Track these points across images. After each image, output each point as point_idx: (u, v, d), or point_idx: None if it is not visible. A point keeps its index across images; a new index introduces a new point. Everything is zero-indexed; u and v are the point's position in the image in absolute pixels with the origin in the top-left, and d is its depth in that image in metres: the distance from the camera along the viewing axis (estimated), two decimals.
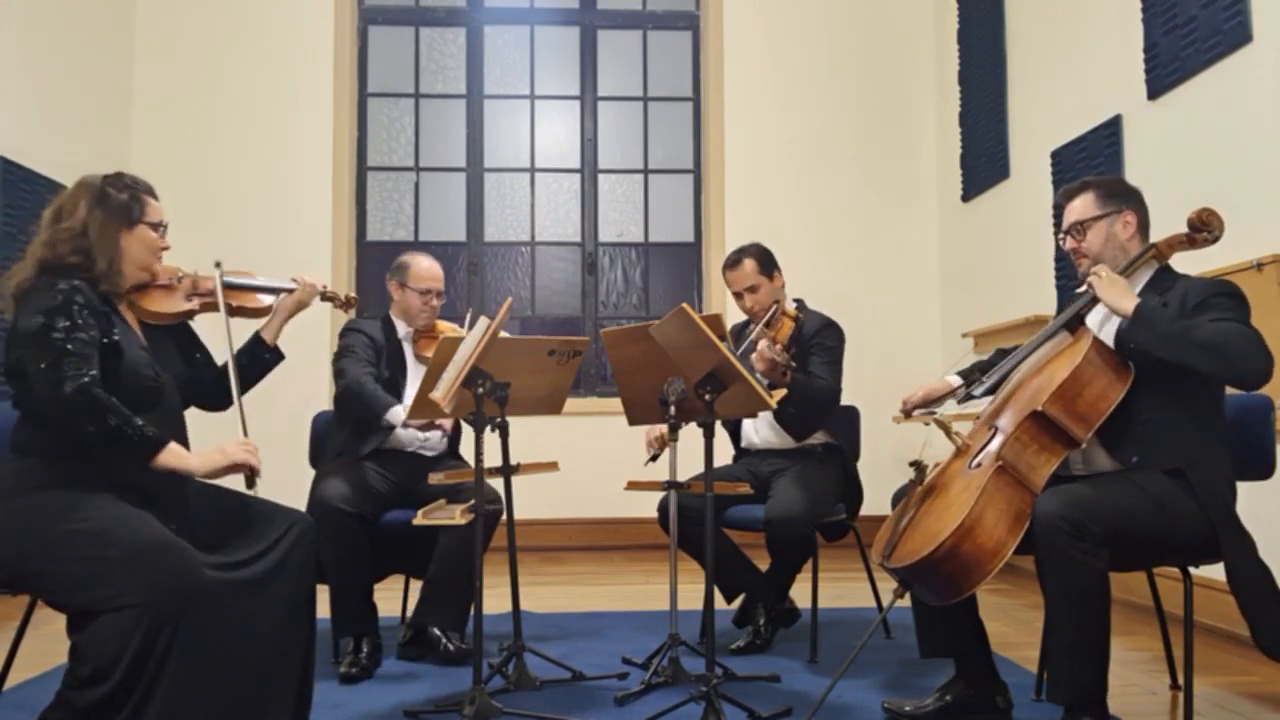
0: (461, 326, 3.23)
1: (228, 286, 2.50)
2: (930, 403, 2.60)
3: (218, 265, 2.49)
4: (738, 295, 3.36)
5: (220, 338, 2.38)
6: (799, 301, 3.42)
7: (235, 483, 2.34)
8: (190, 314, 2.40)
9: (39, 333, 1.98)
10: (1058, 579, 2.10)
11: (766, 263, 3.33)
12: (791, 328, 3.19)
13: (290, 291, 2.65)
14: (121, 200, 2.19)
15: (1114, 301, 2.24)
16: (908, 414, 2.62)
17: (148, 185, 2.28)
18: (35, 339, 1.98)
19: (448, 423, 3.11)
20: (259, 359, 2.58)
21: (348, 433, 3.21)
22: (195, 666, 1.89)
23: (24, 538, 1.95)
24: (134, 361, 2.14)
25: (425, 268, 3.36)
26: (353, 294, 3.23)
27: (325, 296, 2.92)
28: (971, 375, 2.62)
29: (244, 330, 2.57)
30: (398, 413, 3.07)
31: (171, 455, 2.04)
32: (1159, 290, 2.34)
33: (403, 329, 3.38)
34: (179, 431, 2.26)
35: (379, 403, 3.10)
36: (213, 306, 2.44)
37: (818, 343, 3.27)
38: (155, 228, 2.25)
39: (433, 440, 3.26)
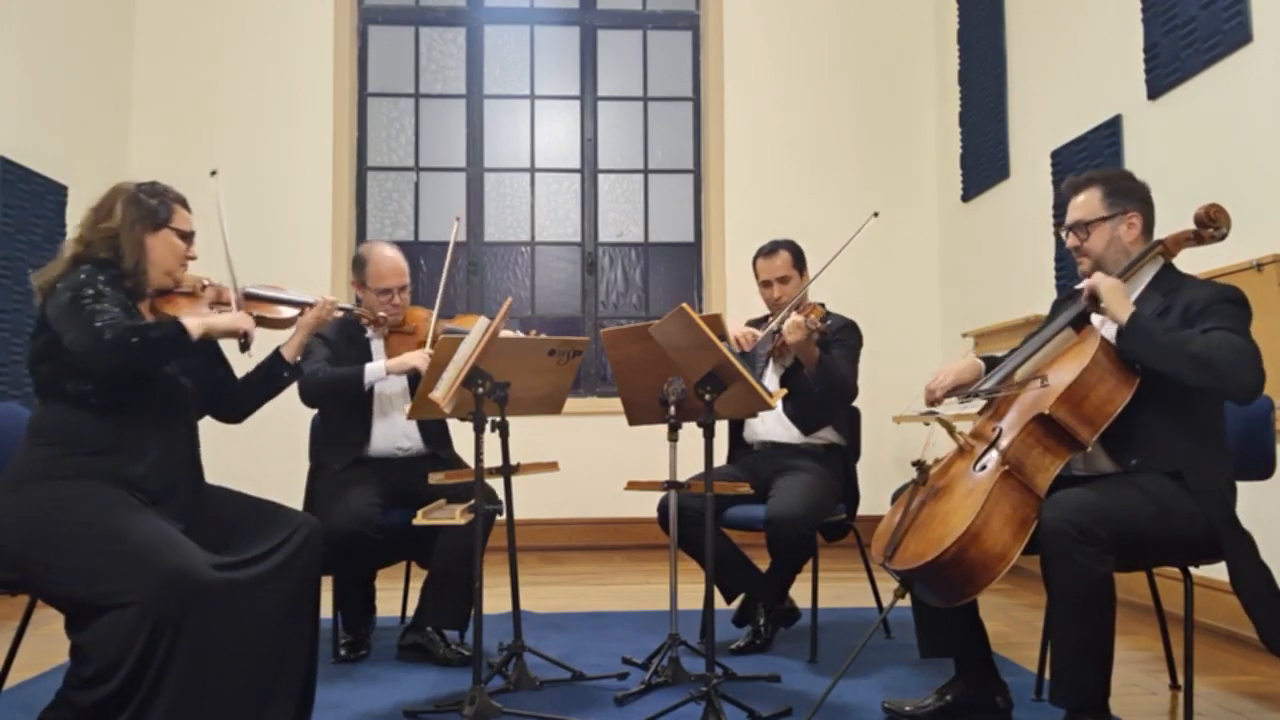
0: (430, 310, 3.20)
1: (251, 297, 2.55)
2: (962, 389, 2.47)
3: (214, 173, 2.55)
4: (765, 284, 3.39)
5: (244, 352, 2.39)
6: (821, 304, 3.42)
7: (242, 482, 2.37)
8: None
9: (69, 304, 2.04)
10: (1063, 582, 2.10)
11: (800, 258, 3.42)
12: (823, 313, 3.19)
13: (311, 306, 2.67)
14: (151, 205, 2.26)
15: (1111, 307, 2.24)
16: (935, 403, 2.50)
17: (180, 196, 2.35)
18: (65, 311, 2.04)
19: (424, 361, 2.92)
20: (276, 375, 2.61)
21: (328, 444, 3.18)
22: (199, 666, 1.89)
23: (34, 526, 1.97)
24: None
25: (383, 264, 3.18)
26: (381, 313, 3.14)
27: (352, 316, 2.94)
28: (990, 365, 2.59)
29: (267, 342, 2.58)
30: (376, 369, 3.03)
31: (195, 325, 2.14)
32: (1162, 290, 2.33)
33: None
34: (191, 438, 2.29)
35: (344, 377, 3.04)
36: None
37: (840, 339, 3.30)
38: (182, 236, 2.31)
39: (409, 445, 3.22)
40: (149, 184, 2.30)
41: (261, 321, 2.56)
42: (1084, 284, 2.33)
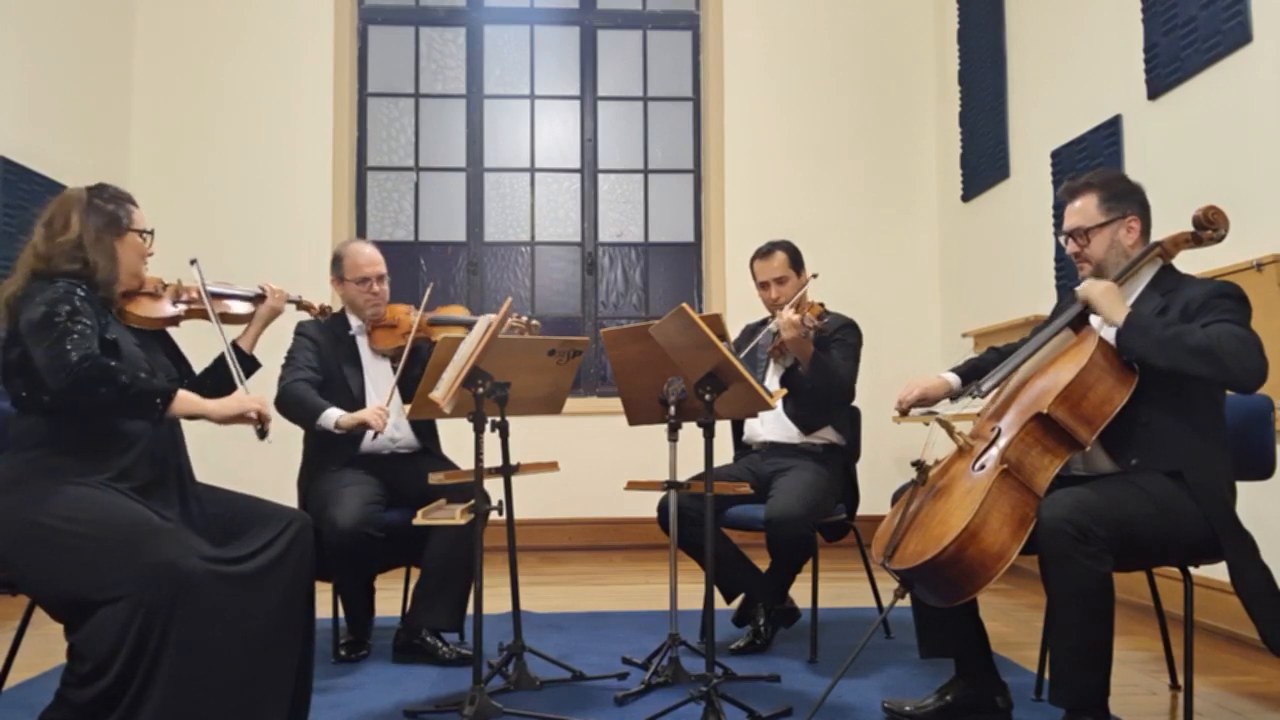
0: (417, 308, 3.20)
1: (215, 296, 2.57)
2: (927, 402, 2.58)
3: (193, 262, 2.54)
4: (763, 285, 3.39)
5: (199, 349, 2.44)
6: (821, 304, 3.42)
7: (235, 483, 2.36)
8: (176, 319, 2.45)
9: (43, 319, 2.03)
10: (1062, 582, 2.10)
11: (796, 259, 3.42)
12: (820, 310, 3.21)
13: (261, 298, 2.69)
14: (110, 210, 2.25)
15: (1106, 311, 2.24)
16: (904, 413, 2.59)
17: (129, 195, 2.34)
18: (39, 325, 2.03)
19: (379, 421, 2.95)
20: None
21: (325, 441, 3.14)
22: (190, 660, 1.90)
23: (19, 530, 1.98)
24: (132, 357, 2.18)
25: (359, 255, 3.25)
26: (326, 303, 3.15)
27: (300, 305, 2.94)
28: (969, 375, 2.61)
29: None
30: (329, 416, 3.00)
31: (185, 402, 2.10)
32: (1161, 290, 2.33)
33: (354, 324, 3.30)
34: (174, 425, 2.28)
35: (308, 409, 3.04)
36: (198, 313, 2.49)
37: (839, 339, 3.31)
38: (142, 235, 2.31)
39: (400, 439, 3.22)
40: (98, 188, 2.28)
41: (225, 318, 2.59)
42: (1078, 290, 2.34)
